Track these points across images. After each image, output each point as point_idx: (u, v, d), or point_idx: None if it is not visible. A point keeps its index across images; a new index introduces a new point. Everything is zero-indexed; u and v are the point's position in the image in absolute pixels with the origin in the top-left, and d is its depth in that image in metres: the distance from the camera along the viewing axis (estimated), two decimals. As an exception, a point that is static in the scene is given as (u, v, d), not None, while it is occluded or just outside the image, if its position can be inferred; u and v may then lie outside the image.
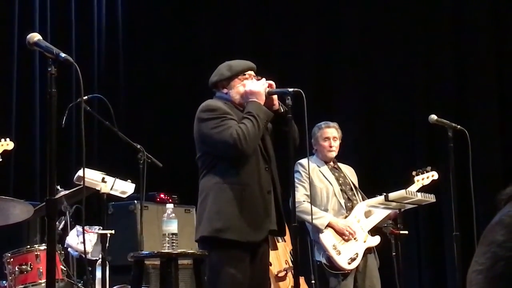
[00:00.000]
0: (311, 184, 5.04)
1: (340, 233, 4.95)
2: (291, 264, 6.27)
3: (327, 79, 7.90)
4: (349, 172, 5.31)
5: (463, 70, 7.36)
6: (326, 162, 5.24)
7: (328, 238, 4.93)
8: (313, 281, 5.91)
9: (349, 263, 4.92)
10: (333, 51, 7.93)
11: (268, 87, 3.71)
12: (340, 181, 5.18)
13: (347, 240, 4.95)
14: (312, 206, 4.97)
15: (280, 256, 6.10)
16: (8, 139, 5.14)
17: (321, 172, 5.17)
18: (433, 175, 5.26)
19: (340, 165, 5.34)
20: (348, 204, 5.09)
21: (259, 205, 3.61)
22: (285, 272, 6.27)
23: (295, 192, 4.93)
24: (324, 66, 7.94)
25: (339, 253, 4.91)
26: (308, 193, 5.02)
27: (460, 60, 7.38)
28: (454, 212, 4.65)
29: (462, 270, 4.68)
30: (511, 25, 7.22)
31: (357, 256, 4.96)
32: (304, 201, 4.98)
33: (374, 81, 7.67)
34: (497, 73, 7.22)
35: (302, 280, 5.89)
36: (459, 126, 4.78)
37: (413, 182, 5.19)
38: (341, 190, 5.12)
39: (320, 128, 5.26)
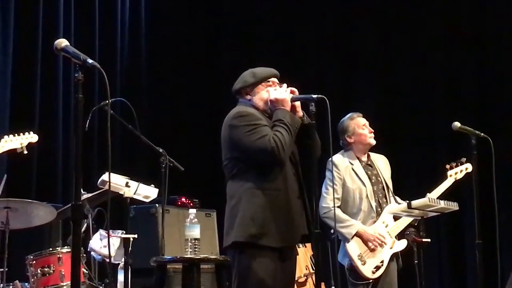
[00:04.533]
0: (343, 185, 4.96)
1: (367, 243, 4.89)
2: (311, 270, 6.26)
3: (348, 86, 7.89)
4: (382, 165, 5.15)
5: (486, 76, 7.32)
6: (359, 158, 5.08)
7: (354, 248, 4.87)
8: (333, 287, 5.89)
9: (373, 272, 4.87)
10: (355, 57, 7.93)
11: (290, 93, 3.72)
12: (373, 180, 5.04)
13: (373, 250, 4.89)
14: (342, 212, 4.90)
15: (300, 261, 6.09)
16: (31, 132, 5.18)
17: (354, 171, 5.02)
18: (467, 168, 5.12)
19: (373, 156, 5.16)
20: (379, 209, 5.01)
21: (292, 210, 3.61)
22: (305, 277, 6.27)
23: (326, 195, 4.91)
24: (345, 73, 7.93)
25: (364, 263, 4.86)
26: (339, 196, 4.94)
27: (483, 66, 7.34)
28: (476, 220, 4.61)
29: (484, 278, 4.64)
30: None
31: (382, 263, 4.90)
32: (334, 206, 4.91)
33: (395, 87, 7.65)
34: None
35: (322, 286, 5.88)
36: (482, 134, 4.74)
37: (445, 178, 5.11)
38: (373, 191, 5.01)
39: (353, 118, 5.09)
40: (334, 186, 4.88)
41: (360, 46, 7.89)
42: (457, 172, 5.14)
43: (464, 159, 5.15)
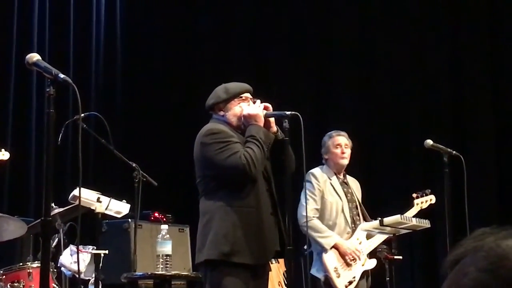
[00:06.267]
0: (322, 197, 4.99)
1: (343, 256, 4.89)
2: (284, 286, 6.24)
3: (323, 103, 7.90)
4: (355, 187, 5.23)
5: (460, 95, 7.38)
6: (336, 174, 5.13)
7: (331, 260, 4.87)
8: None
9: (346, 287, 4.88)
10: (331, 74, 7.96)
11: (264, 109, 3.72)
12: (348, 197, 5.10)
13: (348, 264, 4.89)
14: (321, 223, 4.93)
15: (273, 277, 6.07)
16: (3, 150, 5.12)
17: (332, 185, 5.07)
18: (431, 199, 5.23)
19: (348, 178, 5.24)
20: (352, 225, 5.03)
21: (265, 227, 3.61)
22: (278, 293, 6.24)
23: (305, 204, 4.90)
24: (321, 89, 7.95)
25: (339, 276, 4.86)
26: (318, 207, 4.96)
27: (457, 85, 7.41)
28: (448, 238, 4.64)
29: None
30: (509, 51, 7.26)
31: (354, 279, 4.91)
32: (313, 216, 4.92)
33: (370, 104, 7.68)
34: (494, 99, 7.24)
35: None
36: (454, 152, 4.78)
37: (412, 206, 5.16)
38: (348, 207, 5.05)
39: (331, 137, 5.17)
40: (314, 197, 4.93)
41: (336, 63, 7.91)
42: (423, 201, 5.21)
43: (428, 191, 5.24)
